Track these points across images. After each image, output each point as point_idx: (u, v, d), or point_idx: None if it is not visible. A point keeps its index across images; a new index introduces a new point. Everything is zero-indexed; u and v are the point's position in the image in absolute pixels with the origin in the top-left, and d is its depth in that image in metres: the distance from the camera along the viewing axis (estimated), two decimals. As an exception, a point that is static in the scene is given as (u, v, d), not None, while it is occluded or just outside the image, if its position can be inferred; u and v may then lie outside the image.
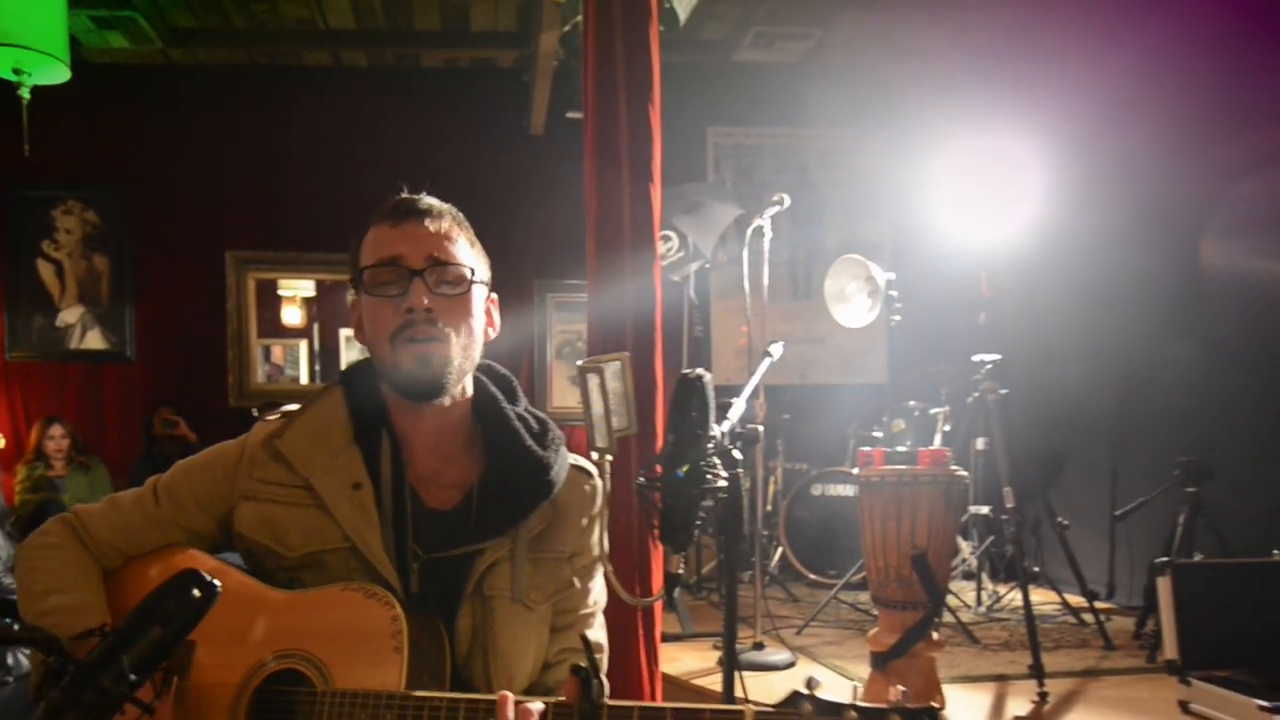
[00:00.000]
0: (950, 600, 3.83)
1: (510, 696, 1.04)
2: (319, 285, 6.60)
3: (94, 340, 5.66)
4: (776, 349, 2.07)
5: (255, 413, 5.26)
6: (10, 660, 3.08)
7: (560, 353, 6.02)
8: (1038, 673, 2.79)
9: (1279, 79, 3.43)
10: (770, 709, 0.94)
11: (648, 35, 2.36)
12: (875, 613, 2.87)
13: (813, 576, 4.68)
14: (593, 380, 1.12)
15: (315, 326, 7.91)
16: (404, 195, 1.30)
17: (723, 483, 1.15)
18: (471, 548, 1.23)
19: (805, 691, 0.91)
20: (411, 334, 1.20)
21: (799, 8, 5.18)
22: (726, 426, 1.24)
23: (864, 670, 2.73)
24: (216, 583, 0.88)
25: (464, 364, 1.25)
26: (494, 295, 1.34)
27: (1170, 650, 2.75)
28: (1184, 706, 2.57)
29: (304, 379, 6.73)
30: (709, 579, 4.69)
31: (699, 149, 5.98)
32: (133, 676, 0.82)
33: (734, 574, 1.31)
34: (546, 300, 5.96)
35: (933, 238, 4.78)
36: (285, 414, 1.31)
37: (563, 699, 1.03)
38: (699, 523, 1.14)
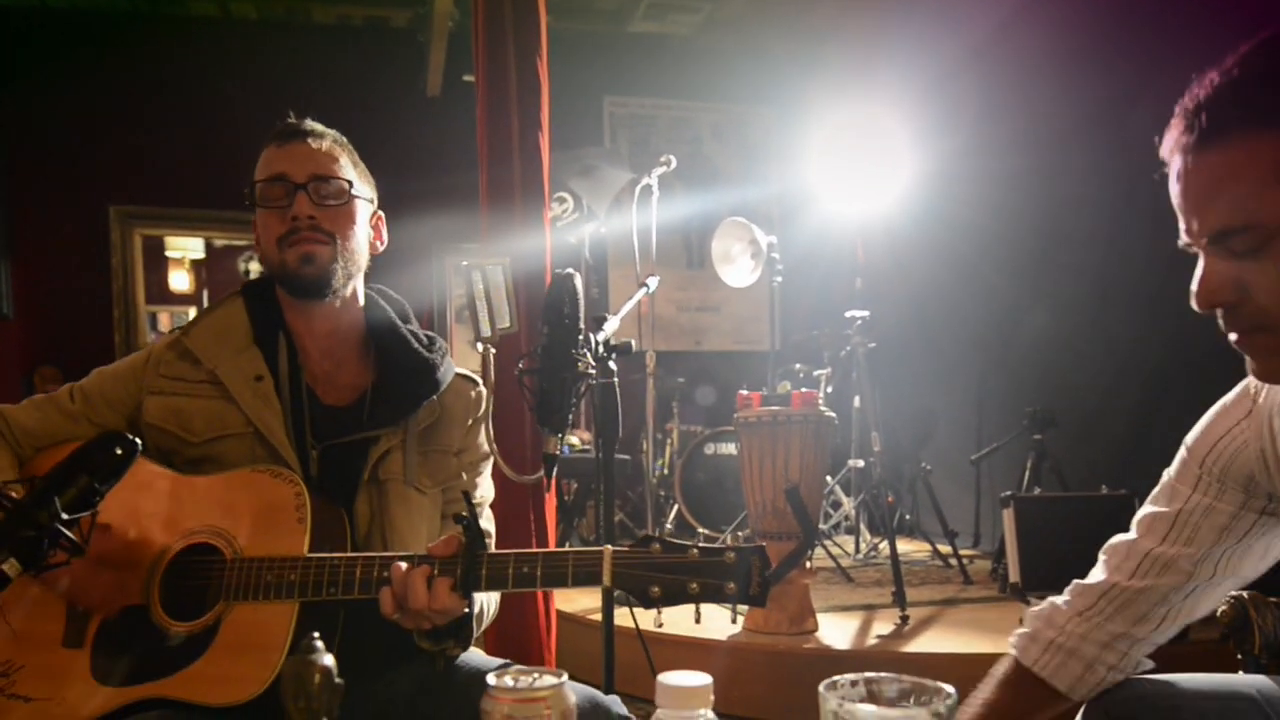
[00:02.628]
0: (832, 549, 4.10)
1: (400, 557, 1.16)
2: (209, 247, 6.44)
3: (-35, 296, 5.42)
4: (653, 281, 2.22)
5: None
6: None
7: (460, 316, 6.06)
8: (900, 600, 3.03)
9: (1137, 61, 3.73)
10: (626, 549, 1.10)
11: (535, -8, 2.48)
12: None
13: (706, 531, 4.88)
14: (475, 275, 1.25)
15: (205, 293, 7.69)
16: (290, 120, 1.41)
17: (593, 371, 1.30)
18: (366, 434, 1.35)
19: (654, 536, 1.07)
20: (295, 239, 1.33)
21: (690, -19, 5.35)
22: (602, 336, 1.38)
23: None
24: (138, 441, 0.98)
25: (348, 266, 1.37)
26: (380, 213, 1.47)
27: (1013, 574, 3.06)
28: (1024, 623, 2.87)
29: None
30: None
31: (596, 117, 6.09)
32: (65, 516, 0.91)
33: (610, 472, 1.46)
34: (444, 263, 5.97)
35: (815, 208, 5.02)
36: (188, 323, 1.44)
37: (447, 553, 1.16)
38: (572, 405, 1.29)
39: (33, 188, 5.47)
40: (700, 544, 1.07)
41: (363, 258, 1.41)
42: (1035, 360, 4.29)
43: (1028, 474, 3.62)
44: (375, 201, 1.45)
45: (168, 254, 7.83)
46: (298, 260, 1.33)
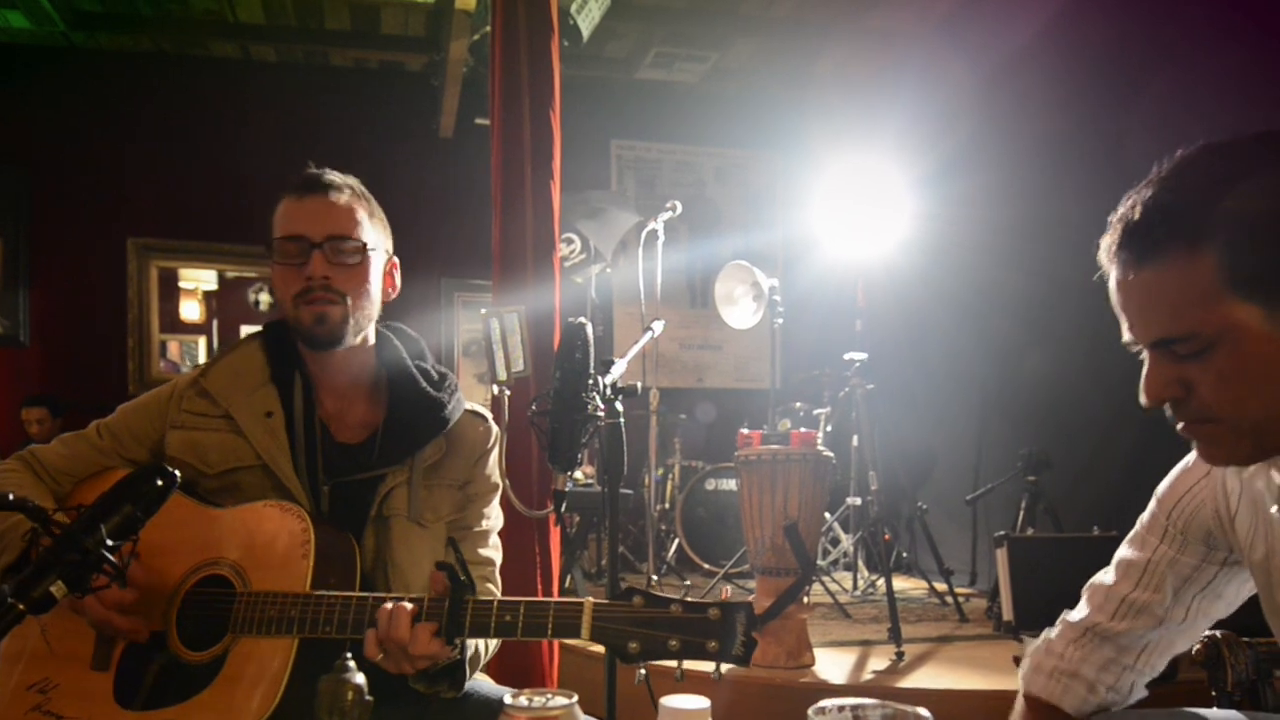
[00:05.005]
0: (830, 585, 4.14)
1: (389, 598, 1.21)
2: (221, 278, 6.54)
3: (-16, 325, 5.53)
4: (658, 325, 2.30)
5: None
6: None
7: (467, 351, 6.16)
8: (896, 637, 3.05)
9: (1128, 112, 3.84)
10: (607, 603, 1.13)
11: (549, 46, 2.62)
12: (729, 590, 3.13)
13: (707, 566, 4.92)
14: (493, 323, 1.34)
15: (215, 323, 7.78)
16: (310, 170, 1.47)
17: (601, 413, 1.38)
18: (374, 473, 1.42)
19: (638, 589, 1.11)
20: (310, 298, 1.40)
21: (697, 32, 5.50)
22: (610, 379, 1.47)
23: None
24: (177, 473, 1.06)
25: (360, 321, 1.44)
26: (395, 259, 1.53)
27: (1006, 612, 3.10)
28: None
29: (200, 374, 6.66)
30: (609, 568, 4.88)
31: (603, 160, 6.23)
32: (109, 543, 0.99)
33: (615, 511, 1.54)
34: (454, 299, 6.09)
35: (817, 251, 5.12)
36: (207, 361, 1.52)
37: (434, 596, 1.20)
38: (581, 445, 1.37)
39: (55, 220, 5.62)
40: (685, 599, 1.09)
41: (375, 308, 1.48)
42: (1033, 402, 4.35)
43: (1022, 514, 3.67)
44: (390, 250, 1.51)
45: (181, 285, 7.94)
46: (311, 319, 1.40)
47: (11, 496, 0.99)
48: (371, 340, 1.51)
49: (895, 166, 4.31)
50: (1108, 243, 0.93)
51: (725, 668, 1.08)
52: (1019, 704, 1.28)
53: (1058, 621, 1.29)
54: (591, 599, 1.14)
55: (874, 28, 5.45)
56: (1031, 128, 4.33)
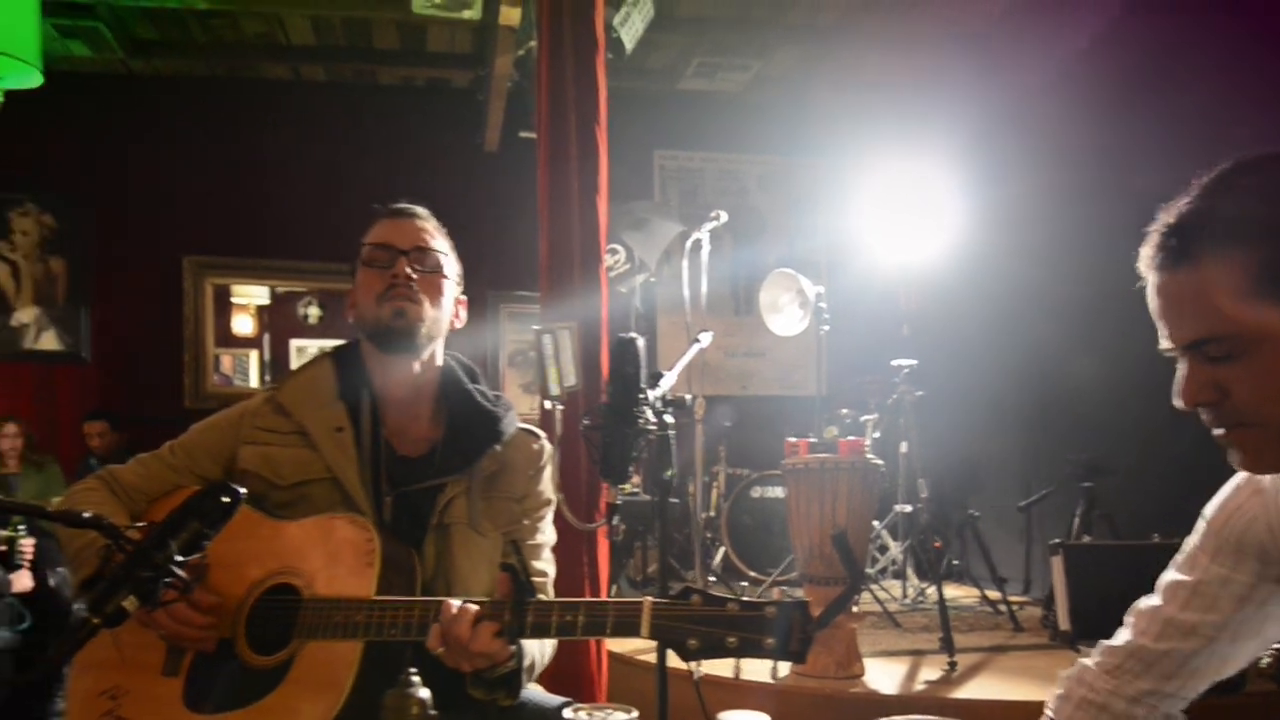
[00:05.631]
0: (879, 593, 4.10)
1: (453, 600, 1.25)
2: (272, 293, 6.69)
3: (49, 341, 5.72)
4: (706, 337, 2.32)
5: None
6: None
7: (513, 361, 6.22)
8: (948, 646, 3.01)
9: (1179, 113, 3.77)
10: (666, 601, 1.15)
11: (595, 63, 2.65)
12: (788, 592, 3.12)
13: (753, 574, 4.90)
14: (547, 340, 1.37)
15: (266, 336, 7.95)
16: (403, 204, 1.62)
17: (652, 426, 1.40)
18: (434, 482, 1.48)
19: (695, 588, 1.12)
20: (393, 294, 1.49)
21: (740, 42, 5.51)
22: (659, 392, 1.49)
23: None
24: (242, 490, 1.10)
25: (432, 329, 1.52)
26: (463, 297, 1.64)
27: (1063, 622, 3.05)
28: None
29: (254, 386, 6.81)
30: (655, 578, 4.89)
31: (646, 170, 6.26)
32: (179, 558, 1.03)
33: (666, 522, 1.55)
34: (500, 311, 6.16)
35: (863, 256, 5.09)
36: (280, 380, 1.59)
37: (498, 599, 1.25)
38: (633, 459, 1.39)
39: (114, 240, 5.81)
40: (741, 598, 1.11)
41: (444, 325, 1.56)
42: (1085, 408, 4.28)
43: (1077, 521, 3.61)
44: (461, 286, 1.62)
45: (233, 300, 8.15)
46: (392, 313, 1.48)
47: (87, 515, 1.04)
48: (439, 362, 1.59)
49: (940, 171, 4.28)
50: (1146, 251, 0.94)
51: (779, 673, 1.09)
52: None
53: (1094, 650, 1.27)
54: (650, 598, 1.16)
55: (919, 33, 5.41)
56: (1079, 132, 4.27)
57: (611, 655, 2.91)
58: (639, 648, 3.34)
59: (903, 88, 5.95)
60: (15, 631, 3.44)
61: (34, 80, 3.87)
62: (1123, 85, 4.11)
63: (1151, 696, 1.18)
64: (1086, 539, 3.45)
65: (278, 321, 6.97)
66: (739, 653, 1.10)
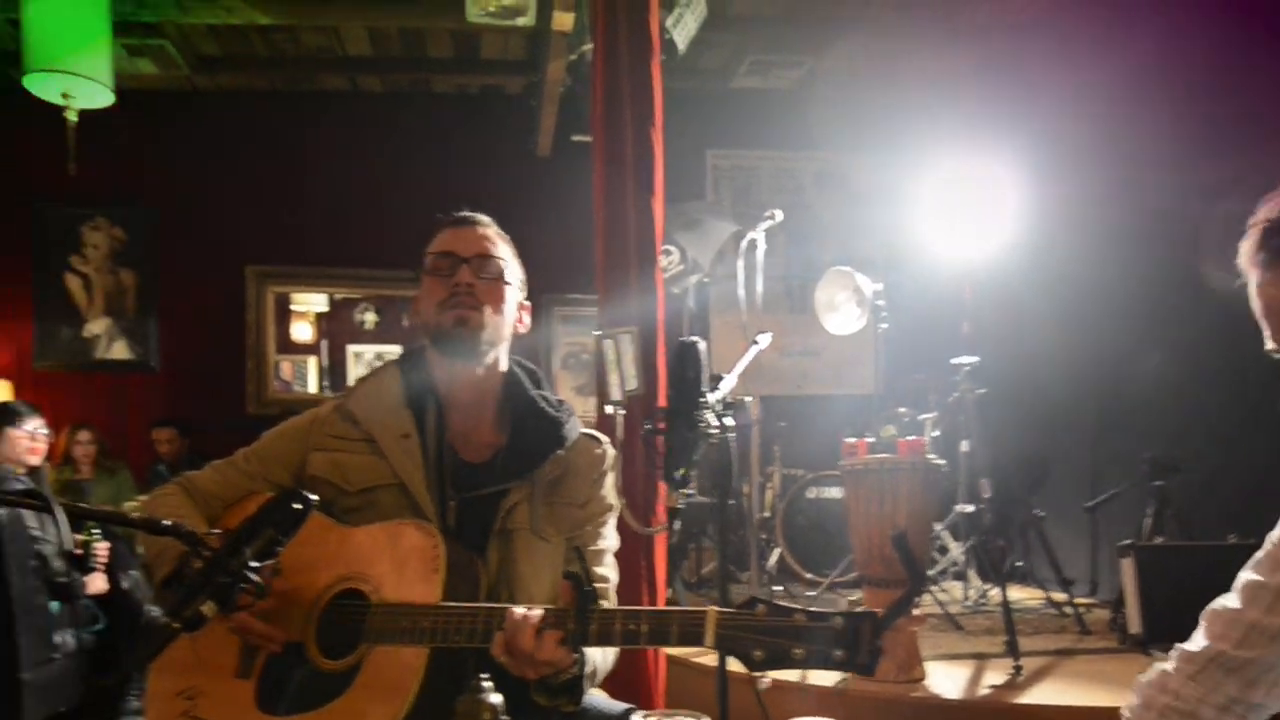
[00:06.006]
0: (939, 595, 4.03)
1: (517, 608, 1.26)
2: (330, 300, 6.83)
3: (120, 351, 5.91)
4: (764, 338, 2.30)
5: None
6: (58, 639, 3.31)
7: (566, 364, 6.26)
8: (1013, 650, 2.93)
9: (1248, 103, 3.66)
10: (730, 610, 1.14)
11: (650, 65, 2.65)
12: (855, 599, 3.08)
13: (809, 575, 4.86)
14: (609, 345, 1.37)
15: (324, 343, 8.11)
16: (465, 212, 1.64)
17: (714, 430, 1.40)
18: (497, 488, 1.50)
19: (761, 598, 1.12)
20: (454, 303, 1.51)
21: (792, 38, 5.46)
22: (719, 395, 1.48)
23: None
24: (313, 498, 1.12)
25: (494, 335, 1.54)
26: (526, 302, 1.65)
27: (1134, 625, 2.97)
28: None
29: (313, 391, 6.93)
30: (709, 579, 4.88)
31: (699, 170, 6.24)
32: (254, 564, 1.05)
33: (726, 525, 1.55)
34: (552, 314, 6.19)
35: (921, 252, 5.00)
36: (348, 388, 1.63)
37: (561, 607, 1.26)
38: (694, 462, 1.39)
39: (180, 252, 5.98)
40: (808, 609, 1.10)
41: (507, 331, 1.58)
42: (1154, 405, 4.16)
43: (1149, 522, 3.51)
44: (524, 292, 1.64)
45: (293, 308, 8.34)
46: (453, 321, 1.50)
47: (167, 523, 1.07)
48: (502, 367, 1.61)
49: (1001, 164, 4.19)
50: (1246, 247, 0.89)
51: (838, 677, 1.08)
52: None
53: (1171, 654, 1.22)
54: (715, 608, 1.15)
55: (978, 21, 5.30)
56: (1147, 122, 4.14)
57: (669, 659, 2.91)
58: (695, 650, 3.33)
59: (961, 79, 5.84)
60: (91, 632, 3.55)
61: (106, 99, 4.02)
62: (1193, 74, 3.98)
63: (1239, 705, 1.14)
64: (1159, 540, 3.35)
65: (335, 328, 7.10)
66: (805, 664, 1.09)
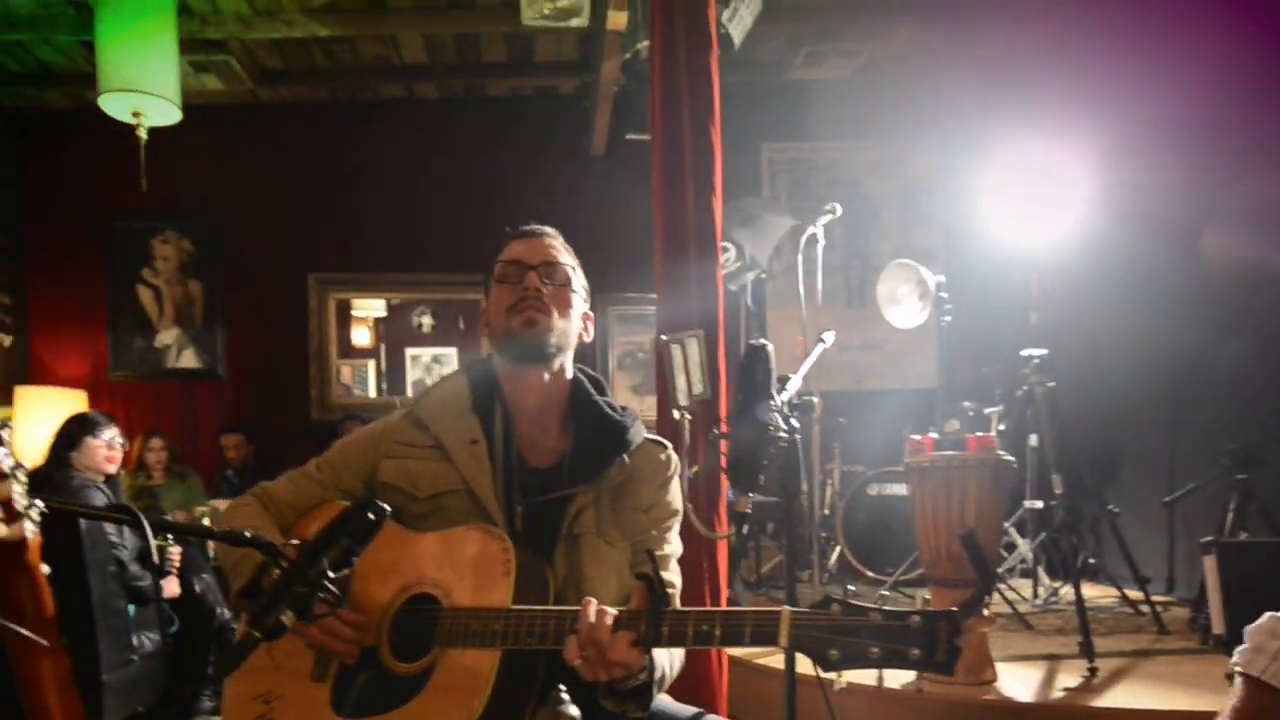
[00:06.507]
0: (1008, 593, 3.94)
1: (593, 600, 1.27)
2: (388, 305, 6.93)
3: (189, 360, 6.09)
4: (829, 336, 2.27)
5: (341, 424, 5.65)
6: (135, 641, 3.42)
7: (622, 363, 6.26)
8: (1088, 650, 2.86)
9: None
10: (805, 610, 1.13)
11: (709, 62, 2.63)
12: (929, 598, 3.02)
13: (870, 574, 4.78)
14: (676, 350, 1.36)
15: (382, 346, 8.25)
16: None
17: (783, 434, 1.38)
18: (564, 493, 1.51)
19: (835, 597, 1.10)
20: (522, 306, 1.53)
21: (849, 27, 5.39)
22: (785, 397, 1.46)
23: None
24: (387, 508, 1.14)
25: (561, 341, 1.55)
26: (590, 312, 1.67)
27: (1217, 625, 2.86)
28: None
29: (373, 395, 7.05)
30: (769, 578, 4.85)
31: (754, 164, 6.19)
32: (331, 574, 1.07)
33: (794, 526, 1.53)
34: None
35: (983, 242, 4.89)
36: (418, 395, 1.67)
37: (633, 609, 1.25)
38: (763, 465, 1.37)
39: (245, 262, 6.14)
40: (883, 607, 1.08)
41: (573, 338, 1.59)
42: (1233, 396, 4.01)
43: (1231, 516, 3.38)
44: (588, 303, 1.66)
45: (353, 313, 8.51)
46: (522, 324, 1.52)
47: (249, 534, 1.09)
48: (568, 374, 1.62)
49: (1067, 149, 4.07)
50: None
51: (906, 679, 1.05)
52: (1238, 687, 1.18)
53: None
54: (789, 607, 1.15)
55: (1042, 4, 5.17)
56: (1226, 106, 3.99)
57: (733, 661, 2.88)
58: (756, 651, 3.30)
59: (1023, 61, 5.69)
60: (166, 634, 3.66)
61: (174, 116, 4.15)
62: (1268, 54, 3.82)
63: None
64: (1243, 535, 3.22)
65: (393, 332, 7.22)
66: (882, 663, 1.07)
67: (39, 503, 0.82)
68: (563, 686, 0.83)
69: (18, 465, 0.80)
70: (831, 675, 1.14)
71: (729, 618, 1.18)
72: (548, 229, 1.65)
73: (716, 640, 1.18)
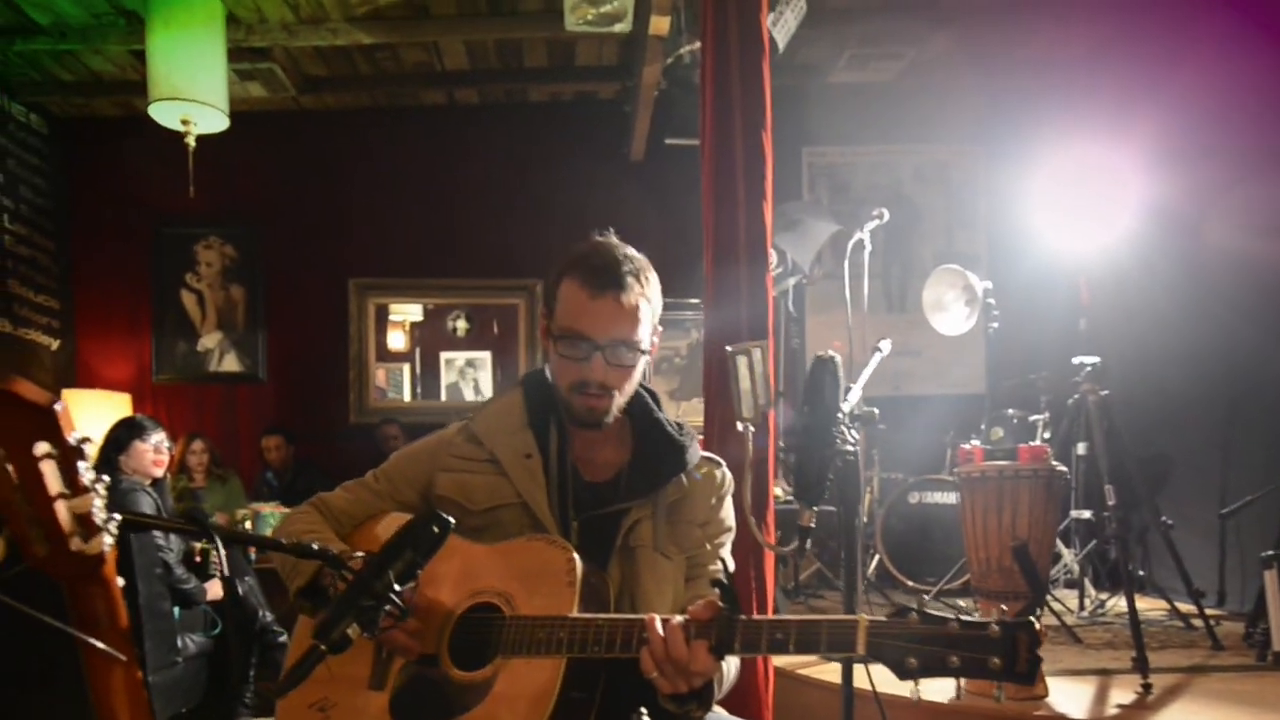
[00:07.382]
0: (1054, 605, 3.87)
1: (657, 616, 1.25)
2: (424, 309, 6.96)
3: (230, 363, 6.17)
4: (885, 344, 2.24)
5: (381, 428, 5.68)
6: (180, 643, 3.45)
7: (659, 368, 6.24)
8: (1141, 666, 2.78)
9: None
10: (882, 619, 1.12)
11: (761, 66, 2.60)
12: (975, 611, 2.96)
13: (911, 583, 4.71)
14: (742, 361, 1.34)
15: (417, 350, 8.28)
16: (601, 246, 1.51)
17: (849, 447, 1.35)
18: (620, 506, 1.50)
19: (911, 606, 1.08)
20: (584, 393, 1.47)
21: (892, 30, 5.33)
22: (848, 408, 1.44)
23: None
24: (451, 520, 1.13)
25: (620, 404, 1.52)
26: (660, 327, 1.57)
27: (1276, 641, 2.79)
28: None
29: (408, 400, 7.07)
30: (807, 586, 4.80)
31: (794, 169, 6.14)
32: (396, 586, 1.06)
33: (854, 541, 1.50)
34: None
35: (1030, 247, 4.82)
36: (472, 411, 1.65)
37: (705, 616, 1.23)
38: (829, 479, 1.34)
39: (286, 266, 6.22)
40: (961, 617, 1.07)
41: (634, 387, 1.54)
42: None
43: (1289, 530, 3.29)
44: (658, 317, 1.54)
45: (390, 318, 8.58)
46: (583, 410, 1.49)
47: (316, 546, 1.08)
48: None
49: (1116, 153, 4.00)
50: None
51: (951, 693, 1.03)
52: None
53: None
54: (866, 616, 1.14)
55: (1090, 7, 5.08)
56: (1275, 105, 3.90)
57: (778, 671, 2.85)
58: (800, 662, 3.25)
59: (1070, 63, 5.60)
60: (209, 636, 3.70)
61: (222, 124, 4.21)
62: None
63: None
64: (1304, 551, 3.13)
65: (428, 336, 7.23)
66: (961, 672, 1.06)
67: (117, 516, 0.81)
68: (644, 710, 0.81)
69: (98, 479, 0.80)
70: (908, 684, 1.12)
71: (804, 626, 1.17)
72: (623, 273, 1.45)
73: (791, 648, 1.17)
